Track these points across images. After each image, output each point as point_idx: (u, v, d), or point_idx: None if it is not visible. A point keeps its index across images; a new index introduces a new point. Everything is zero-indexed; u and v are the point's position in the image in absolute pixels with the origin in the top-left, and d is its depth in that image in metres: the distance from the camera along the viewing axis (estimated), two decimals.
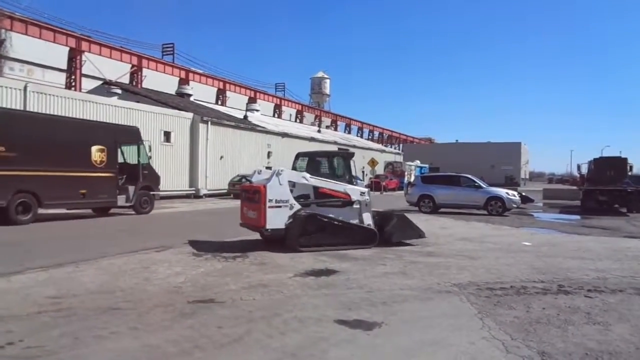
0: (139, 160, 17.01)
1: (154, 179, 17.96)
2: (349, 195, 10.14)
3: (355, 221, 10.03)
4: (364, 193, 10.27)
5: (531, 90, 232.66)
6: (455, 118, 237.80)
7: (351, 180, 11.36)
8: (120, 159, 16.44)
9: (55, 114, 18.44)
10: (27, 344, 4.06)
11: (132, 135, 17.23)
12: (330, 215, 9.86)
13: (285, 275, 7.06)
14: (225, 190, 28.37)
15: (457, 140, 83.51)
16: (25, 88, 18.70)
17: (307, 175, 10.16)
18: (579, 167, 27.04)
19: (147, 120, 24.15)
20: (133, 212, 16.65)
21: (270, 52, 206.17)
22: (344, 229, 9.75)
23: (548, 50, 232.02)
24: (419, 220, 16.15)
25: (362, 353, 4.09)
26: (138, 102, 26.75)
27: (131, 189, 16.45)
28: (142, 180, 16.83)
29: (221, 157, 29.29)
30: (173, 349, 4.06)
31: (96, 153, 15.22)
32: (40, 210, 13.65)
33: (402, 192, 29.46)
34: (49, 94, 19.86)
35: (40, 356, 3.83)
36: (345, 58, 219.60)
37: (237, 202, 24.17)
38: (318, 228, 9.50)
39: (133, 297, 5.70)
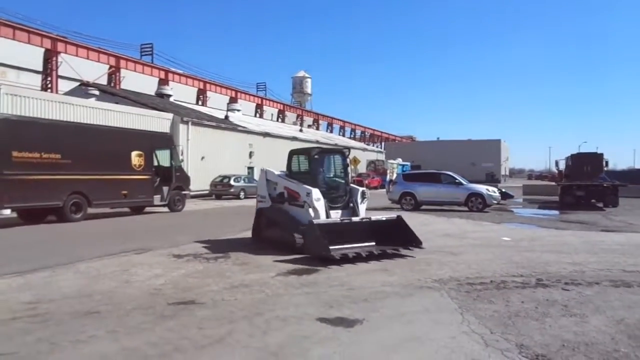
0: (171, 163, 18.90)
1: (185, 179, 19.96)
2: (299, 195, 9.38)
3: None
4: (309, 193, 9.15)
5: (510, 87, 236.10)
6: (437, 116, 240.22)
7: (313, 178, 9.59)
8: (155, 162, 18.19)
9: (33, 115, 18.07)
10: (0, 351, 3.97)
11: (165, 141, 19.49)
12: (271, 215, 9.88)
13: (267, 274, 7.03)
14: (207, 191, 28.14)
15: (438, 138, 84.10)
16: None
17: (276, 174, 10.27)
18: (557, 163, 27.52)
19: (126, 121, 23.70)
20: (167, 210, 18.53)
21: (251, 51, 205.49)
22: (283, 229, 9.30)
23: (527, 47, 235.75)
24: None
25: (344, 350, 4.10)
26: (117, 103, 26.32)
27: (165, 189, 18.32)
28: (174, 181, 18.75)
29: (202, 158, 29.02)
30: (153, 351, 4.01)
31: (135, 158, 17.11)
32: (89, 210, 15.46)
33: (385, 190, 29.62)
34: (24, 96, 19.37)
35: None
36: (327, 57, 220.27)
37: (219, 203, 24.26)
38: (267, 224, 9.99)
39: (112, 300, 5.61)
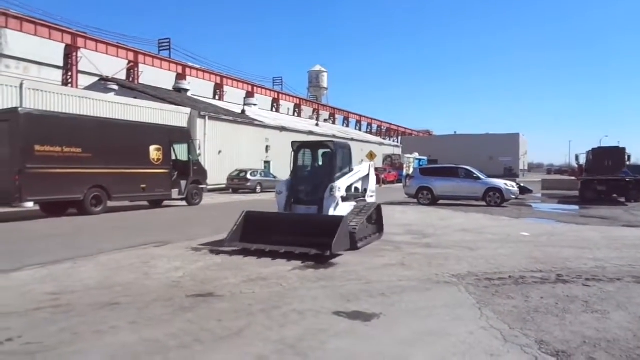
0: (189, 157, 19.16)
1: (203, 173, 20.18)
2: None
3: None
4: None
5: (529, 81, 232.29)
6: (454, 110, 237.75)
7: (292, 171, 10.00)
8: (173, 156, 18.43)
9: (55, 110, 18.45)
10: (26, 340, 4.07)
11: (183, 135, 19.74)
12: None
13: (284, 268, 7.06)
14: (224, 185, 28.33)
15: (455, 132, 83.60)
16: (21, 85, 18.71)
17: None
18: (577, 158, 26.99)
19: (145, 116, 24.04)
20: (185, 204, 18.80)
21: (267, 45, 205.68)
22: None
23: (546, 40, 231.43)
24: (418, 212, 16.23)
25: (361, 344, 4.10)
26: (135, 98, 26.64)
27: (183, 183, 18.55)
28: (192, 175, 18.98)
29: (219, 152, 29.22)
30: (173, 342, 4.07)
31: (154, 152, 17.35)
32: (109, 203, 15.75)
33: (401, 184, 29.48)
34: (45, 91, 19.81)
35: (39, 352, 3.83)
36: (343, 51, 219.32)
37: (236, 197, 24.40)
38: None
39: (132, 292, 5.70)
